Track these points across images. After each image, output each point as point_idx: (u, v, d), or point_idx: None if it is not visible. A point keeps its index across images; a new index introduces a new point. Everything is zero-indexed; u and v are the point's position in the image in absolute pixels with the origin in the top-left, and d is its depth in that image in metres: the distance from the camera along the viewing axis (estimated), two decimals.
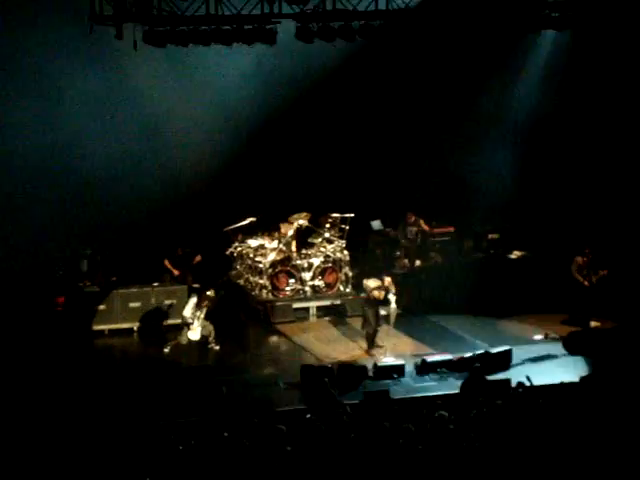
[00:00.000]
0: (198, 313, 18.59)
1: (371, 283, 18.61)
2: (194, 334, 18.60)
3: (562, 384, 14.72)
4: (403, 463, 11.19)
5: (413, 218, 23.74)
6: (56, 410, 15.18)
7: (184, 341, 18.66)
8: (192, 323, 18.54)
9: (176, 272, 21.72)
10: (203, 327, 18.66)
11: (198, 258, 21.89)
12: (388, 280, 18.43)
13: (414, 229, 23.65)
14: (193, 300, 18.75)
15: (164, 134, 23.22)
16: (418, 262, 23.61)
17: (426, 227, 23.81)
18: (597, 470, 11.39)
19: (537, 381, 14.61)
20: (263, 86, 23.24)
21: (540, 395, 13.84)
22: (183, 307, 18.89)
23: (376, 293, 18.36)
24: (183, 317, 18.68)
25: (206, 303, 18.67)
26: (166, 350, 18.71)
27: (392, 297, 18.22)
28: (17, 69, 20.93)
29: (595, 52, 22.52)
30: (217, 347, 18.79)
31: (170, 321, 19.90)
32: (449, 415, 12.39)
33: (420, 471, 11.13)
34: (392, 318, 18.31)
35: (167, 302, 20.21)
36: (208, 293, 18.76)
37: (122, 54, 20.01)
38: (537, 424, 12.45)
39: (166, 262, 21.75)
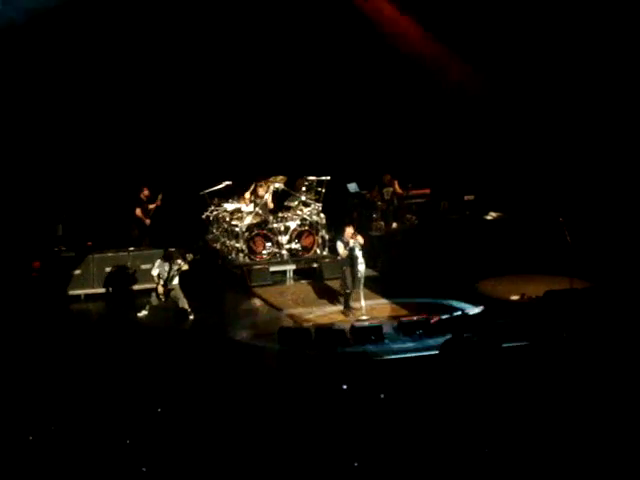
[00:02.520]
0: (166, 274, 18.33)
1: (340, 247, 18.48)
2: (162, 295, 18.39)
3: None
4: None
5: (389, 177, 23.71)
6: (33, 376, 15.10)
7: (155, 301, 18.53)
8: (159, 283, 18.36)
9: (147, 221, 21.65)
10: (172, 291, 18.46)
11: (160, 197, 21.81)
12: (349, 231, 18.27)
13: (390, 190, 23.63)
14: (159, 260, 18.54)
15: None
16: (394, 224, 23.63)
17: (399, 190, 23.77)
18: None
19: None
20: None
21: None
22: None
23: (341, 251, 18.30)
24: (152, 276, 18.56)
25: (178, 266, 18.38)
26: (140, 315, 18.59)
27: (359, 253, 18.06)
28: None
29: None
30: (192, 316, 18.60)
31: (145, 285, 19.76)
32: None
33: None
34: (362, 276, 18.16)
35: (143, 266, 20.09)
36: (188, 257, 18.49)
37: None
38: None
39: (138, 211, 21.63)
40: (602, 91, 22.76)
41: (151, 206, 21.79)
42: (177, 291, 18.49)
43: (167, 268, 18.28)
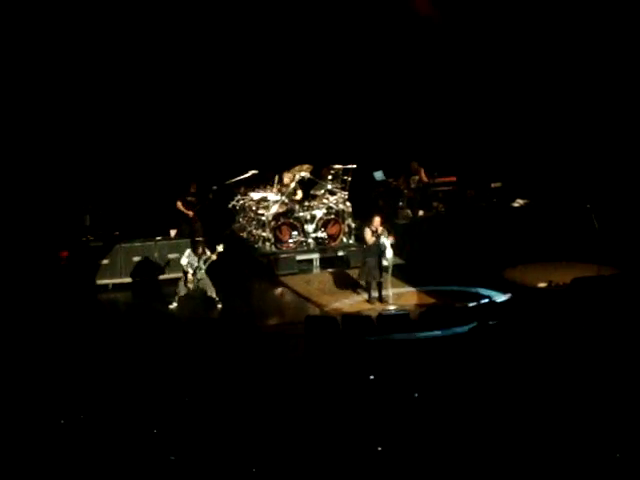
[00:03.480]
0: (196, 264, 18.40)
1: (368, 233, 18.51)
2: (190, 284, 18.48)
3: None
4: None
5: (416, 165, 23.68)
6: (62, 364, 15.20)
7: (182, 292, 18.59)
8: (188, 272, 18.43)
9: (190, 213, 21.66)
10: (201, 281, 18.52)
11: (214, 188, 21.90)
12: (377, 220, 18.30)
13: (416, 178, 23.60)
14: (189, 250, 18.61)
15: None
16: (421, 212, 23.61)
17: (425, 178, 23.72)
18: None
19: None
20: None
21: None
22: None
23: (368, 237, 18.30)
24: (181, 265, 18.61)
25: (207, 255, 18.42)
26: (171, 307, 18.62)
27: (387, 242, 18.07)
28: None
29: None
30: (219, 305, 18.68)
31: (173, 275, 19.83)
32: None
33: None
34: (390, 265, 18.19)
35: (170, 256, 20.17)
36: (219, 248, 18.53)
37: None
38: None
39: (179, 204, 21.67)
40: (631, 76, 22.65)
41: (191, 199, 21.80)
42: (205, 280, 18.55)
43: (196, 257, 18.35)
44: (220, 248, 18.45)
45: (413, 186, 23.60)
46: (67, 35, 22.31)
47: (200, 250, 18.38)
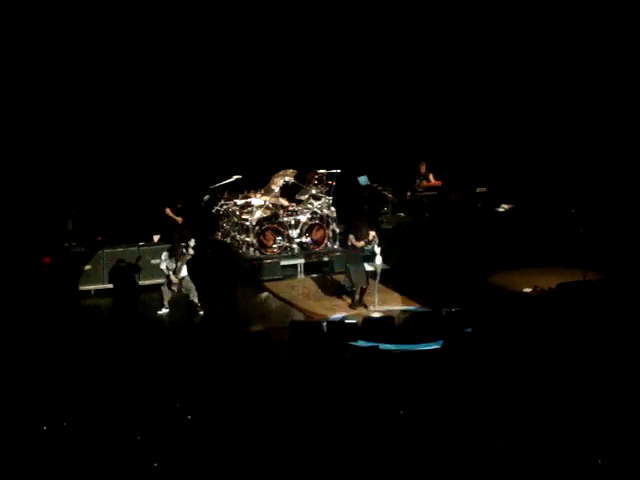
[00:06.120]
0: (174, 265, 18.23)
1: (352, 239, 18.45)
2: (174, 286, 18.33)
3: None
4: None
5: (424, 168, 23.73)
6: (44, 371, 15.07)
7: (167, 297, 18.44)
8: (170, 275, 18.28)
9: (179, 219, 21.51)
10: (183, 281, 18.36)
11: (206, 198, 21.79)
12: (372, 234, 18.28)
13: (423, 182, 23.67)
14: (165, 254, 18.46)
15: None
16: (405, 217, 23.61)
17: (434, 180, 23.80)
18: None
19: None
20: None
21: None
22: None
23: (354, 241, 18.26)
24: (161, 270, 18.47)
25: (183, 255, 18.23)
26: (161, 312, 18.44)
27: (377, 250, 18.09)
28: None
29: None
30: (201, 312, 18.50)
31: (156, 280, 19.67)
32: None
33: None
34: (378, 272, 18.18)
35: (152, 261, 20.02)
36: (190, 243, 18.37)
37: None
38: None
39: (168, 211, 21.53)
40: (615, 81, 22.70)
41: (179, 205, 21.68)
42: (187, 282, 18.41)
43: (174, 259, 18.23)
44: (192, 243, 18.29)
45: (420, 190, 23.66)
46: (53, 38, 22.21)
47: (178, 251, 18.22)
